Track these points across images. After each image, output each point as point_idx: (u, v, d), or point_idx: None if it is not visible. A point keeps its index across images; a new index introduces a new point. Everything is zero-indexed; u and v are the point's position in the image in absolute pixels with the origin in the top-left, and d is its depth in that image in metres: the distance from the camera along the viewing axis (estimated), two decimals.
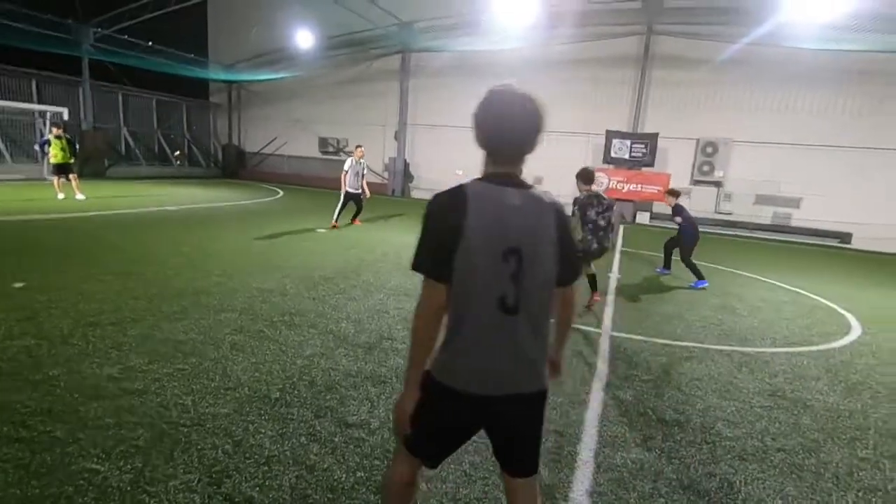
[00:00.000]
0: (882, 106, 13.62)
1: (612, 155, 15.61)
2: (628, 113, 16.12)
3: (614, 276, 7.89)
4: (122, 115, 20.80)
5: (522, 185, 1.53)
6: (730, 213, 15.54)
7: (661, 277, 8.13)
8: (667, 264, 8.37)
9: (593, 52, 16.10)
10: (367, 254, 7.90)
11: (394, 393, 3.36)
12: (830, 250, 13.75)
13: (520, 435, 1.63)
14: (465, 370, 1.53)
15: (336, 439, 2.76)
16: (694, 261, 7.60)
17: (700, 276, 7.52)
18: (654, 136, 15.40)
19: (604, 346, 4.67)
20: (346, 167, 10.46)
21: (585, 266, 6.52)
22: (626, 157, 15.46)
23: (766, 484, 2.73)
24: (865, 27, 12.39)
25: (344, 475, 2.46)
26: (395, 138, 19.62)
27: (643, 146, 15.41)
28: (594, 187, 5.93)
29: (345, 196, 10.51)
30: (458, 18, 16.63)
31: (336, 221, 10.41)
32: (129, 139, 20.88)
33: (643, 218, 16.30)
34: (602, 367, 4.17)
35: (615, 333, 5.06)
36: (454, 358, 1.54)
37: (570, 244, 1.61)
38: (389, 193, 19.67)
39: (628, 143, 15.52)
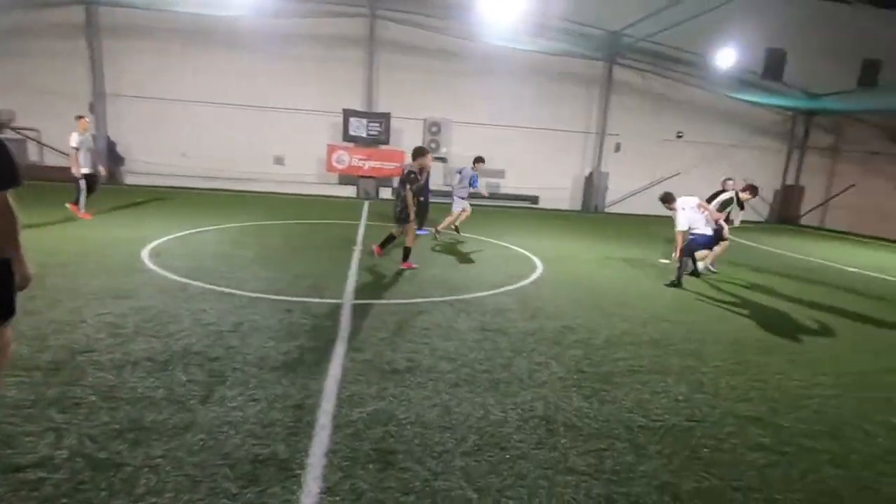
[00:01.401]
0: (556, 98, 17.65)
1: (351, 133, 16.03)
2: (362, 93, 16.71)
3: (357, 248, 8.21)
4: None
5: None
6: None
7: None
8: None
9: (324, 30, 15.98)
10: (56, 254, 6.23)
11: (91, 413, 2.79)
12: (526, 211, 17.30)
13: None
14: None
15: None
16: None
17: (420, 227, 9.27)
18: (387, 116, 16.41)
19: (345, 314, 4.84)
20: (74, 143, 8.81)
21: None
22: (364, 135, 16.09)
23: (474, 401, 3.30)
24: (532, 32, 15.70)
25: None
26: (91, 111, 15.78)
27: (378, 125, 16.27)
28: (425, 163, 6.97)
29: (86, 179, 9.05)
30: None
31: (84, 211, 9.02)
32: None
33: (385, 193, 17.37)
34: (343, 334, 4.32)
35: (356, 301, 5.29)
36: None
37: None
38: None
39: (364, 121, 16.14)
